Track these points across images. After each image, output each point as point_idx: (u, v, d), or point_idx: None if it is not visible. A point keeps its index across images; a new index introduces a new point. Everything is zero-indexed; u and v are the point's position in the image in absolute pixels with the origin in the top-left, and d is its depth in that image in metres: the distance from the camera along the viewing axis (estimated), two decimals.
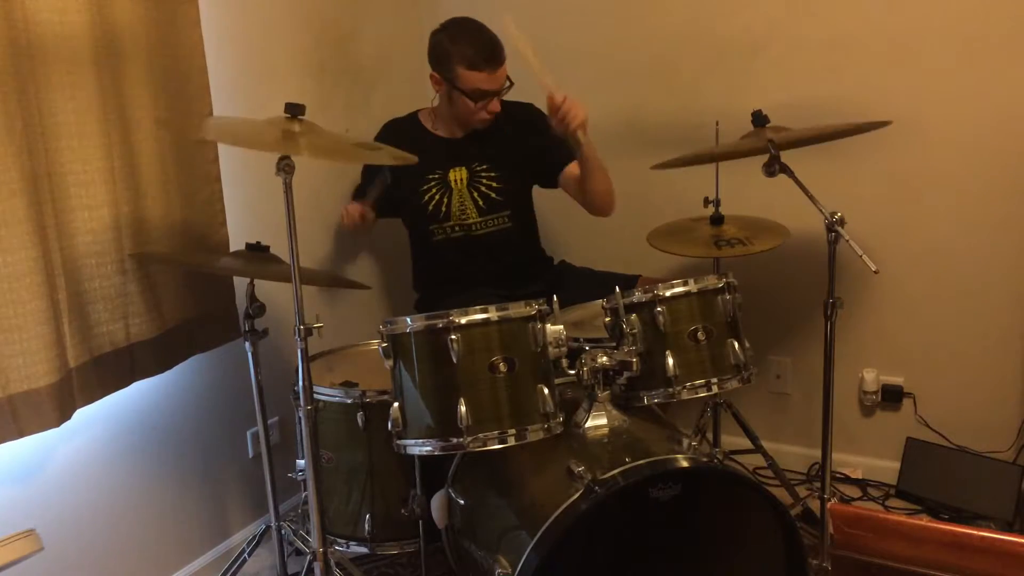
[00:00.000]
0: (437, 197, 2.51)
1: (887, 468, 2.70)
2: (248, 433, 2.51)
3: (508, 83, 2.41)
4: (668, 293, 1.85)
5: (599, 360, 1.83)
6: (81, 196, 1.91)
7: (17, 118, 1.73)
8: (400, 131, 2.57)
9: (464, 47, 2.33)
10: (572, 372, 1.84)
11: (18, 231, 1.74)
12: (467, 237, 2.53)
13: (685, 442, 1.77)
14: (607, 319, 1.92)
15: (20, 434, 1.79)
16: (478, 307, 1.72)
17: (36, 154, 1.79)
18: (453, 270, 2.56)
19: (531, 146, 2.55)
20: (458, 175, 2.52)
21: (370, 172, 2.60)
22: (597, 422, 1.85)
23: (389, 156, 2.02)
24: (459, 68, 2.34)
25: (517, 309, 1.74)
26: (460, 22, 2.40)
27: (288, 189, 1.69)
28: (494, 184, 2.52)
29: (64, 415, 1.86)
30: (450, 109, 2.47)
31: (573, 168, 2.52)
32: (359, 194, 2.63)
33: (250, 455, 2.52)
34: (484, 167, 2.52)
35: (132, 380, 2.06)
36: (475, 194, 2.52)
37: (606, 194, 2.44)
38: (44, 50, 1.80)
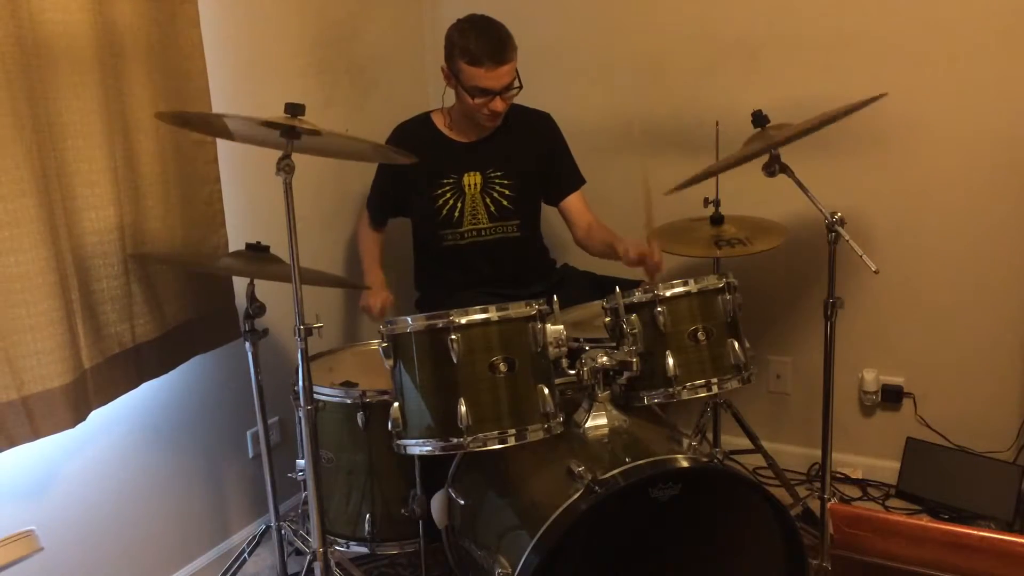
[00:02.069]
0: (451, 202, 2.49)
1: (887, 468, 2.70)
2: (248, 433, 2.51)
3: (515, 85, 2.37)
4: (668, 293, 1.85)
5: (599, 360, 1.83)
6: (88, 196, 1.91)
7: (26, 118, 1.73)
8: (413, 135, 2.52)
9: (468, 41, 2.31)
10: (572, 372, 1.84)
11: (29, 230, 1.74)
12: (475, 243, 2.52)
13: (685, 442, 1.77)
14: (607, 319, 1.92)
15: (35, 435, 1.79)
16: (478, 307, 1.72)
17: (45, 154, 1.79)
18: (457, 273, 2.55)
19: (544, 159, 2.56)
20: (472, 180, 2.50)
21: (382, 181, 2.60)
22: (597, 422, 1.85)
23: (391, 158, 2.01)
24: (461, 62, 2.32)
25: (517, 309, 1.74)
26: (474, 17, 2.36)
27: (288, 189, 1.69)
28: (507, 192, 2.51)
29: (79, 416, 1.86)
30: (460, 106, 2.46)
31: (574, 200, 2.58)
32: (374, 209, 2.63)
33: (250, 455, 2.52)
34: (499, 173, 2.50)
35: (140, 381, 2.07)
36: (487, 199, 2.50)
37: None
38: (49, 50, 1.80)
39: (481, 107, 2.37)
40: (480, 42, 2.30)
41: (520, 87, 2.39)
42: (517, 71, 2.37)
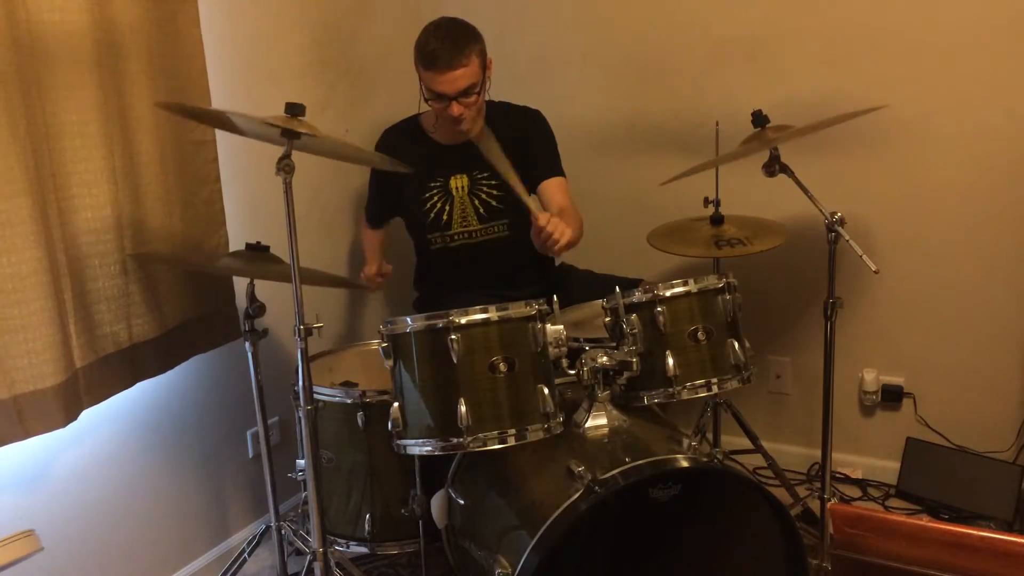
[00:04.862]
0: (439, 205, 2.48)
1: (887, 468, 2.70)
2: (248, 433, 2.51)
3: (474, 91, 2.27)
4: (668, 293, 1.86)
5: (599, 360, 1.83)
6: (84, 196, 1.91)
7: (21, 118, 1.73)
8: (400, 140, 2.50)
9: (425, 44, 2.25)
10: (572, 372, 1.84)
11: (22, 231, 1.74)
12: (465, 245, 2.50)
13: (685, 442, 1.77)
14: (607, 319, 1.92)
15: (26, 435, 1.79)
16: (478, 307, 1.72)
17: (40, 154, 1.79)
18: (452, 276, 2.55)
19: (521, 144, 2.47)
20: (459, 182, 2.48)
21: (377, 187, 2.59)
22: (597, 422, 1.85)
23: (387, 165, 2.00)
24: (418, 65, 2.28)
25: (517, 309, 1.74)
26: (442, 19, 2.30)
27: (288, 189, 1.69)
28: (495, 192, 2.48)
29: (70, 415, 1.86)
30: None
31: (548, 185, 2.46)
32: (370, 211, 2.64)
33: (250, 455, 2.52)
34: (485, 175, 2.47)
35: (135, 381, 2.06)
36: (476, 202, 2.49)
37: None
38: (46, 50, 1.80)
39: (441, 111, 2.32)
40: (433, 45, 2.23)
41: (478, 95, 2.30)
42: (486, 76, 2.32)
